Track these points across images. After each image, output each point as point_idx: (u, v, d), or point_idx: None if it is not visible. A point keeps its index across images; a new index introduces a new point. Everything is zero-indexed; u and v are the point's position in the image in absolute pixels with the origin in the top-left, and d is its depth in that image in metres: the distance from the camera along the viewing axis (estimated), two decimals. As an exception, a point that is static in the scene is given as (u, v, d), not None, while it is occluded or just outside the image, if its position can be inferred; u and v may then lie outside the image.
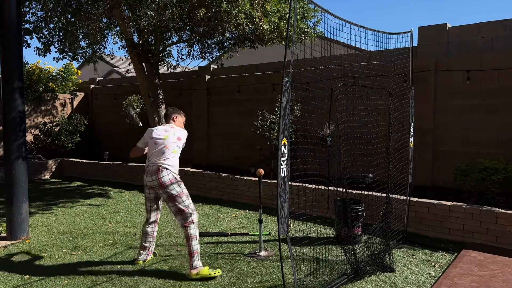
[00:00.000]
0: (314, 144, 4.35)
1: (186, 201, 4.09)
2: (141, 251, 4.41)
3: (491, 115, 6.29)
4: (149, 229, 4.38)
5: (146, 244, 4.39)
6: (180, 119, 4.50)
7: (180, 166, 8.72)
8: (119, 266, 4.32)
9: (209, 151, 9.74)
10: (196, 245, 4.00)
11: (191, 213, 4.05)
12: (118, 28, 9.03)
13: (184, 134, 4.34)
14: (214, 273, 3.94)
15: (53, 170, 10.47)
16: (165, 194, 4.06)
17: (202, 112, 9.84)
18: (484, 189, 5.54)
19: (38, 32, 8.65)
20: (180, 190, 4.09)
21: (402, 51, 5.37)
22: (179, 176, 4.17)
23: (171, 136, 4.20)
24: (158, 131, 4.26)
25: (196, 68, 10.69)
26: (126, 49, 9.01)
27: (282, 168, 3.07)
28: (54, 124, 11.33)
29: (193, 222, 4.03)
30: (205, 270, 3.92)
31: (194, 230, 4.01)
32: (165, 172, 4.04)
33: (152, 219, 4.39)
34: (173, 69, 10.13)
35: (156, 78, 9.10)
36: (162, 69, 9.81)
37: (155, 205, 4.38)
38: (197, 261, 3.97)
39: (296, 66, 3.32)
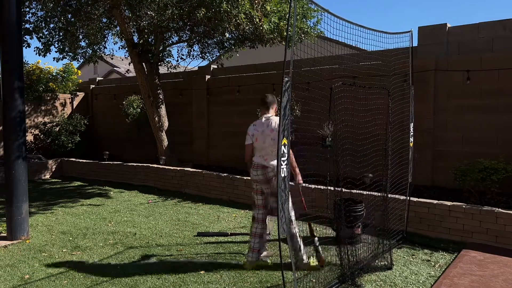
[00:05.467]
0: (314, 144, 4.35)
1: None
2: (250, 253, 4.30)
3: (491, 115, 6.29)
4: (256, 230, 4.28)
5: (254, 246, 4.27)
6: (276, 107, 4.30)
7: (179, 166, 8.77)
8: (119, 266, 4.32)
9: (209, 151, 9.74)
10: (299, 242, 4.09)
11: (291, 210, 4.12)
12: (118, 28, 9.04)
13: (277, 123, 4.03)
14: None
15: (53, 170, 10.48)
16: (267, 189, 4.11)
17: (202, 112, 9.84)
18: (484, 189, 5.54)
19: (38, 32, 8.66)
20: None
21: (402, 51, 5.37)
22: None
23: (265, 129, 4.12)
24: (255, 126, 4.22)
25: (196, 68, 10.69)
26: (126, 49, 9.02)
27: (282, 168, 3.07)
28: (54, 124, 11.33)
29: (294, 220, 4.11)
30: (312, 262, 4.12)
31: (293, 230, 4.04)
32: (270, 169, 4.07)
33: (258, 217, 4.29)
34: (173, 69, 10.13)
35: (156, 78, 9.10)
36: (162, 69, 9.82)
37: (262, 201, 4.26)
38: (304, 254, 4.08)
39: (296, 66, 3.31)
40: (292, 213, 4.11)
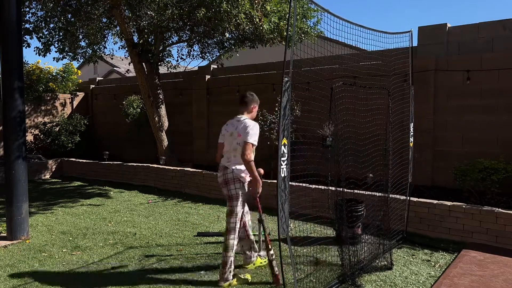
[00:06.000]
0: (314, 144, 4.35)
1: (238, 207, 3.85)
2: (244, 255, 4.19)
3: (491, 115, 6.30)
4: (239, 235, 4.03)
5: (244, 249, 4.13)
6: (257, 107, 4.06)
7: (179, 166, 8.76)
8: (119, 266, 4.32)
9: (209, 151, 9.74)
10: (230, 257, 3.80)
11: (235, 222, 3.84)
12: (118, 28, 9.03)
13: (245, 126, 3.76)
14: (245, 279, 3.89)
15: (53, 170, 10.48)
16: (227, 192, 3.87)
17: (202, 112, 9.84)
18: (484, 189, 5.54)
19: (38, 32, 8.66)
20: (237, 193, 3.82)
21: (402, 51, 5.37)
22: (245, 179, 3.86)
23: (234, 131, 3.86)
24: (227, 126, 3.98)
25: (196, 68, 10.69)
26: (126, 49, 9.02)
27: (282, 168, 3.07)
28: (54, 124, 11.34)
29: (234, 231, 3.83)
30: (234, 282, 3.82)
31: (232, 241, 3.80)
32: (229, 170, 3.83)
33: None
34: (173, 69, 10.13)
35: (156, 78, 9.10)
36: (162, 69, 9.82)
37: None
38: (228, 274, 3.79)
39: (296, 66, 3.32)
40: (238, 226, 3.87)
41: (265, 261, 4.27)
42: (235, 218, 3.83)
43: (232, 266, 3.82)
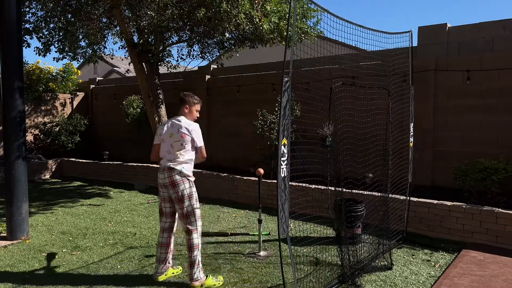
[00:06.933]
0: (314, 144, 4.34)
1: (195, 205, 3.83)
2: (158, 265, 3.99)
3: (491, 115, 6.29)
4: (162, 239, 3.97)
5: (160, 257, 3.97)
6: (194, 108, 4.06)
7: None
8: (119, 266, 4.32)
9: (209, 151, 9.74)
10: (197, 256, 3.77)
11: (196, 220, 3.82)
12: (118, 28, 9.03)
13: (190, 128, 3.86)
14: (219, 283, 3.83)
15: (53, 170, 10.48)
16: (174, 194, 3.79)
17: (202, 112, 9.78)
18: (484, 189, 5.54)
19: (38, 32, 8.65)
20: (190, 192, 3.80)
21: (402, 51, 5.37)
22: (192, 177, 3.87)
23: (175, 132, 3.85)
24: (164, 126, 3.94)
25: (196, 68, 10.69)
26: (126, 49, 9.01)
27: (282, 168, 3.07)
28: (54, 124, 11.34)
29: (196, 230, 3.81)
30: (209, 281, 3.79)
31: (197, 240, 3.80)
32: (176, 171, 3.76)
33: (165, 226, 3.98)
34: (173, 69, 10.12)
35: (156, 78, 9.10)
36: (162, 69, 9.81)
37: (170, 209, 3.95)
38: (198, 273, 3.78)
39: (296, 66, 3.32)
40: (199, 223, 3.85)
41: (177, 271, 4.09)
42: (194, 216, 3.81)
43: (200, 265, 3.82)
